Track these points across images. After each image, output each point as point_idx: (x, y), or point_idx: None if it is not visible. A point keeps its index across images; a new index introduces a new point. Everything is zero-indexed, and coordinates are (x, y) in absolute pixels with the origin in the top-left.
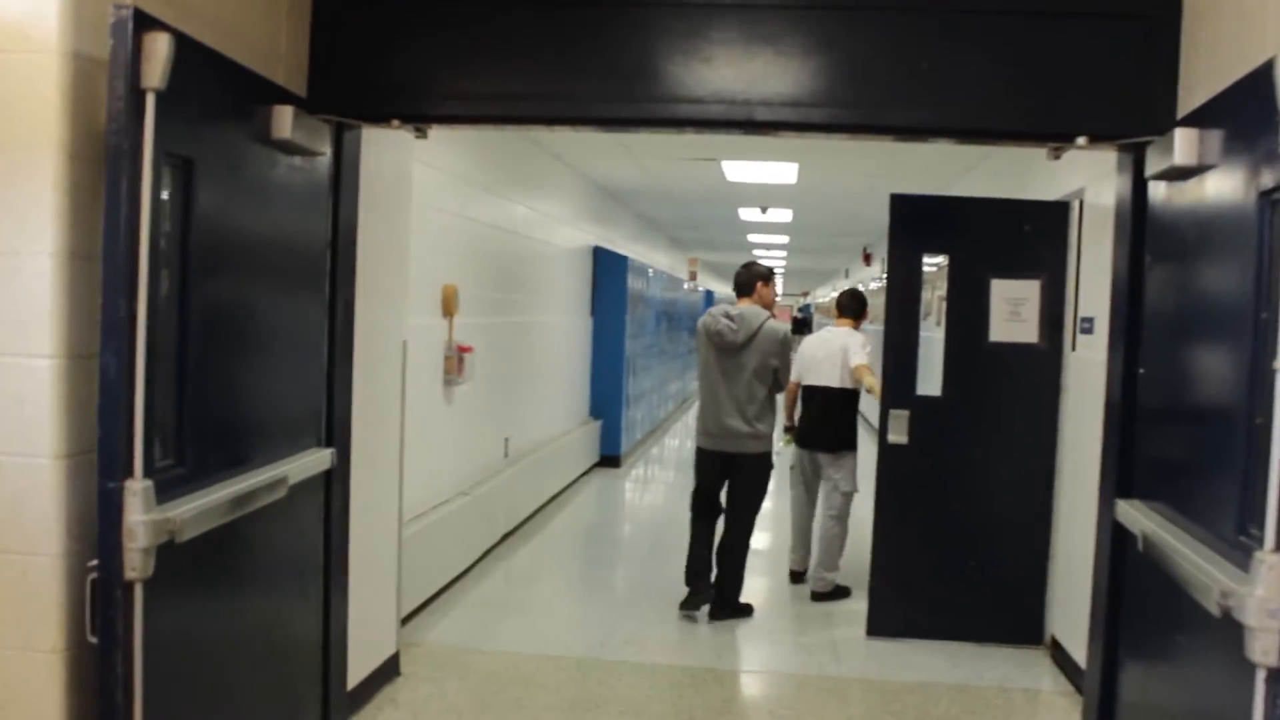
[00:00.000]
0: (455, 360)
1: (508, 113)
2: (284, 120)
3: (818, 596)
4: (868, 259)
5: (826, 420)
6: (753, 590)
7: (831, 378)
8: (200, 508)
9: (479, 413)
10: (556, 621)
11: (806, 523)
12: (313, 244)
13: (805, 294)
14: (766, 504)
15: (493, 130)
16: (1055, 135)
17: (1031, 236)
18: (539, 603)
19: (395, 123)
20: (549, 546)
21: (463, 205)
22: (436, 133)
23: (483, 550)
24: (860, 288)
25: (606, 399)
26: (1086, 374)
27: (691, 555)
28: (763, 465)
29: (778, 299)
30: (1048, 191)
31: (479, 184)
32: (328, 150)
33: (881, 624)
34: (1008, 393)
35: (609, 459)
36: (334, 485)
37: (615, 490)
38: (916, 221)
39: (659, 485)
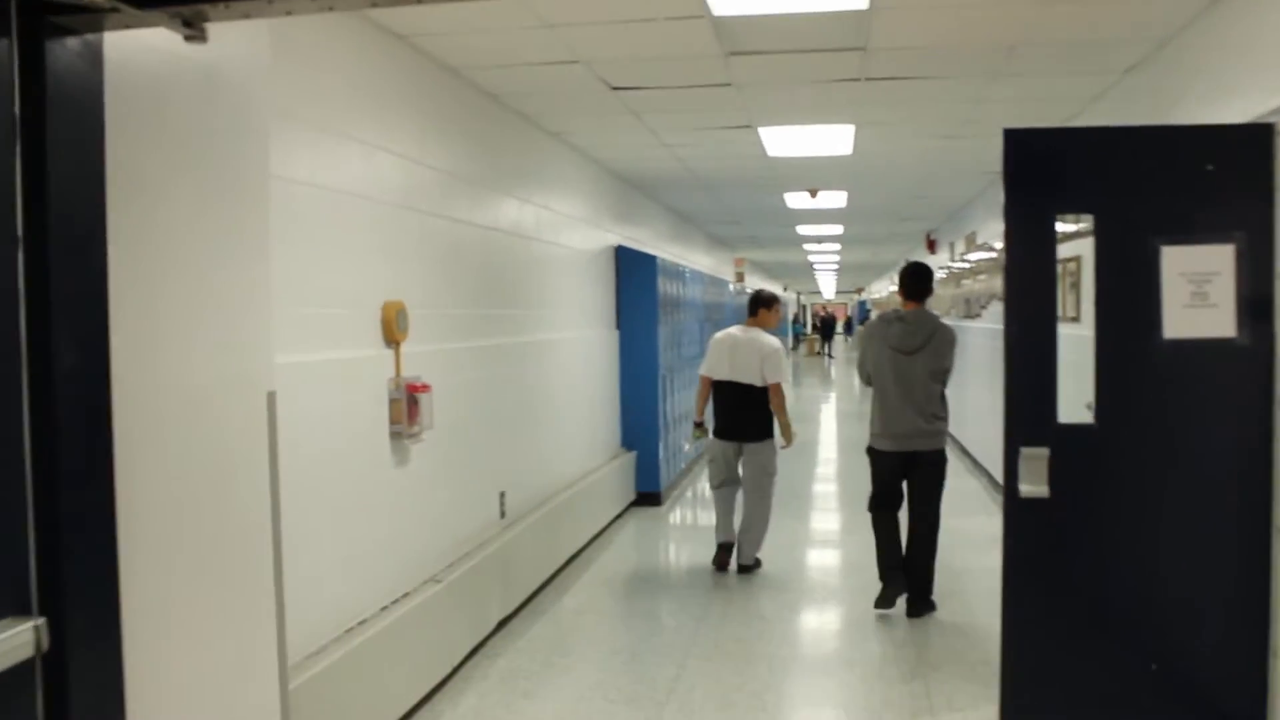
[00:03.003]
0: (403, 405)
1: None
2: None
3: (744, 569)
4: (932, 245)
5: (748, 413)
6: None
7: (752, 376)
8: None
9: (455, 468)
10: None
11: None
12: None
13: (860, 290)
14: None
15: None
16: None
17: (1218, 179)
18: None
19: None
20: (567, 627)
21: (420, 197)
22: (371, 99)
23: (468, 649)
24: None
25: (640, 426)
26: None
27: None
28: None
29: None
30: (1228, 113)
31: (445, 169)
32: None
33: None
34: (1195, 413)
35: (647, 496)
36: (59, 675)
37: (656, 536)
38: (1045, 168)
39: (710, 525)
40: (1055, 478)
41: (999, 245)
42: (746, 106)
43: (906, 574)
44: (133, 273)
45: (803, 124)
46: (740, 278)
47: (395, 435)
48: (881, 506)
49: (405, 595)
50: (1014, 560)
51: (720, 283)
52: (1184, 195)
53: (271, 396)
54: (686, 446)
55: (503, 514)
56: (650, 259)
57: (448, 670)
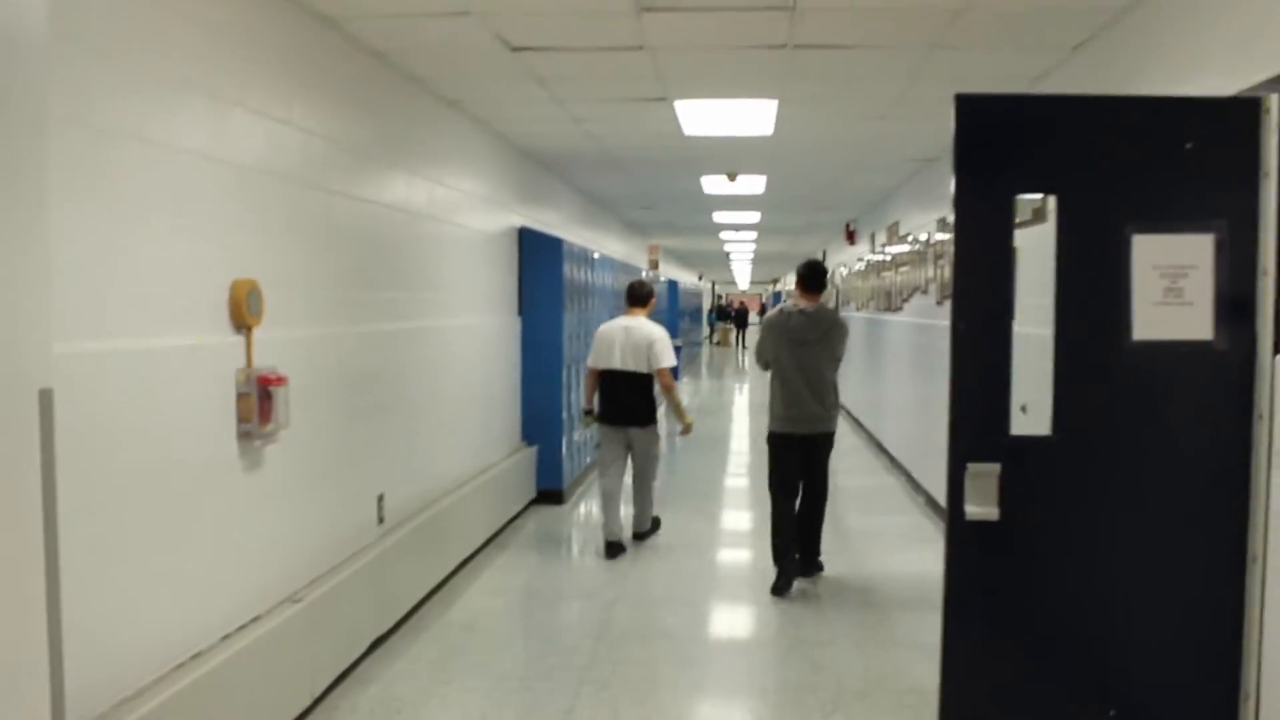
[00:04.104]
0: (253, 400)
1: None
2: None
3: (640, 536)
4: (852, 236)
5: (635, 398)
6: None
7: (642, 364)
8: None
9: (320, 470)
10: None
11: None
12: None
13: (775, 281)
14: None
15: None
16: None
17: (1197, 159)
18: None
19: None
20: (452, 646)
21: (285, 162)
22: (224, 46)
23: (333, 676)
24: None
25: (542, 419)
26: None
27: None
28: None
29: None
30: (1206, 85)
31: (318, 133)
32: None
33: None
34: (1166, 425)
35: (549, 494)
36: None
37: (556, 538)
38: (1002, 139)
39: None
40: (1006, 497)
41: (923, 236)
42: (661, 75)
43: (800, 539)
44: None
45: (722, 97)
46: (655, 265)
47: (244, 435)
48: (783, 486)
49: (255, 619)
50: (957, 590)
51: (633, 269)
52: (1160, 177)
53: (45, 395)
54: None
55: (380, 519)
56: (556, 242)
57: (307, 702)
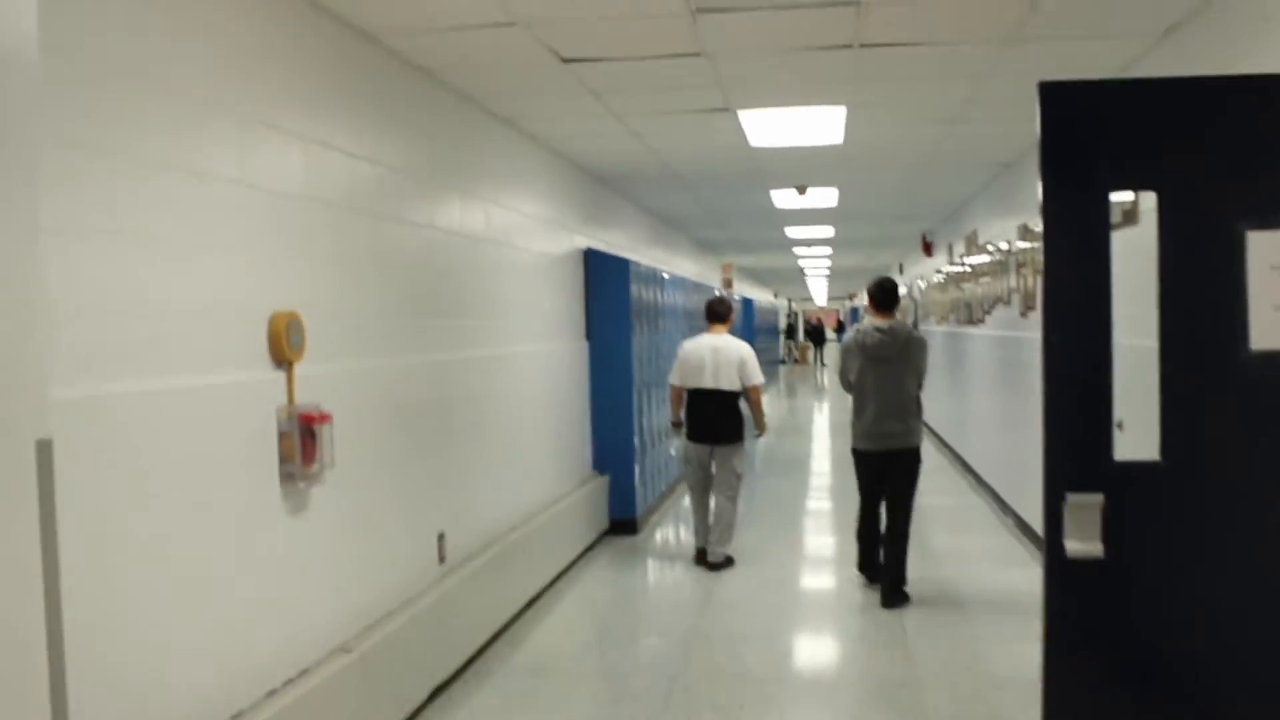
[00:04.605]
0: (294, 441)
1: None
2: None
3: (715, 567)
4: (928, 248)
5: (724, 417)
6: None
7: (733, 382)
8: None
9: (373, 511)
10: None
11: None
12: None
13: (852, 296)
14: None
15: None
16: None
17: None
18: None
19: None
20: (517, 694)
21: (331, 187)
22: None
23: None
24: (899, 282)
25: (613, 446)
26: None
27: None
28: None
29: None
30: None
31: (364, 156)
32: None
33: None
34: None
35: (622, 524)
36: None
37: (630, 571)
38: (1093, 130)
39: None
40: (1112, 532)
41: (1003, 245)
42: (722, 83)
43: (885, 561)
44: None
45: (788, 105)
46: (729, 284)
47: (287, 477)
48: (866, 500)
49: (303, 673)
50: (1058, 637)
51: (705, 289)
52: (1278, 165)
53: (43, 447)
54: (672, 451)
55: (442, 559)
56: (623, 263)
57: None
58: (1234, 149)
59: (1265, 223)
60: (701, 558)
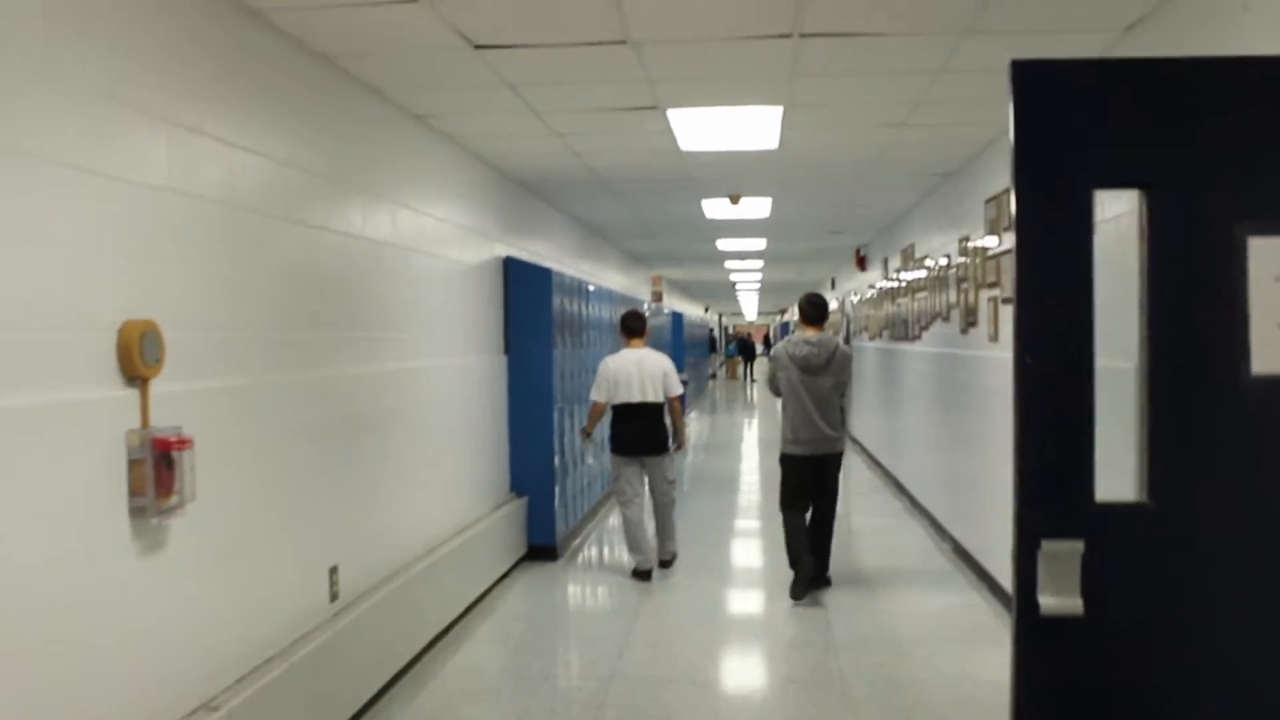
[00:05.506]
0: (147, 470)
1: None
2: None
3: (665, 564)
4: (862, 263)
5: (652, 429)
6: None
7: (658, 394)
8: None
9: (247, 546)
10: None
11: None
12: None
13: (783, 311)
14: None
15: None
16: None
17: None
18: None
19: None
20: None
21: (200, 180)
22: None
23: None
24: (830, 297)
25: (533, 466)
26: None
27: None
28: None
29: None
30: None
31: (244, 146)
32: None
33: None
34: None
35: (540, 550)
36: None
37: (546, 602)
38: (1076, 119)
39: (615, 584)
40: (1091, 585)
41: (942, 260)
42: (650, 77)
43: (812, 553)
44: None
45: (721, 104)
46: (658, 297)
47: (138, 511)
48: (793, 506)
49: None
50: (1029, 711)
51: (633, 302)
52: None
53: None
54: (590, 460)
55: (334, 596)
56: (545, 273)
57: None
58: (1235, 141)
59: (1271, 227)
60: (642, 575)
